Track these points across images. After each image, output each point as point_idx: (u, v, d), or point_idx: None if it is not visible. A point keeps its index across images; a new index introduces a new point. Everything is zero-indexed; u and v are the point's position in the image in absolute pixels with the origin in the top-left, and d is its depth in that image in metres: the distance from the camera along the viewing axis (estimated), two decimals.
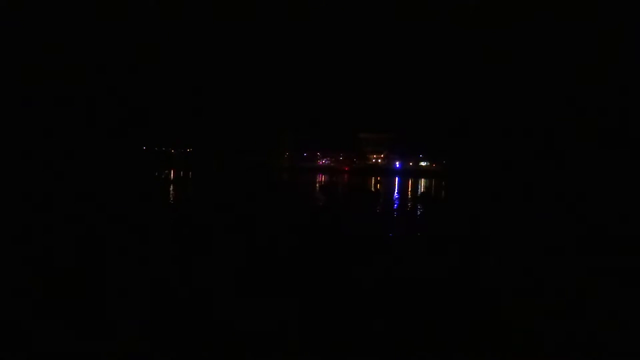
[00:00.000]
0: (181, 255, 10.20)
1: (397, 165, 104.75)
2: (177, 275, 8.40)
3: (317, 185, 45.08)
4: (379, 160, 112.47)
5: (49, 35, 60.14)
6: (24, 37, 56.25)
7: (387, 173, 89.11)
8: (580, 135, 61.30)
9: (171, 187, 35.08)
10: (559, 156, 62.67)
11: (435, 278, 8.88)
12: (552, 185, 45.32)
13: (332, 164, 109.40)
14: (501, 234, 15.32)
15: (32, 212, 15.51)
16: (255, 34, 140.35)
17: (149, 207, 20.11)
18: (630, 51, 58.65)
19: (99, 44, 72.02)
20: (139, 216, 16.50)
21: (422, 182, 62.98)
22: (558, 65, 70.70)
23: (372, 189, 42.88)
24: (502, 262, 10.71)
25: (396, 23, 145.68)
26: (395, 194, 36.58)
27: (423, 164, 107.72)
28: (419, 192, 38.88)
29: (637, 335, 6.24)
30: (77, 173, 39.74)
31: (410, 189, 45.67)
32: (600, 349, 5.74)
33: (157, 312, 6.49)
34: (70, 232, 12.36)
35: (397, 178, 72.40)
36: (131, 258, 9.72)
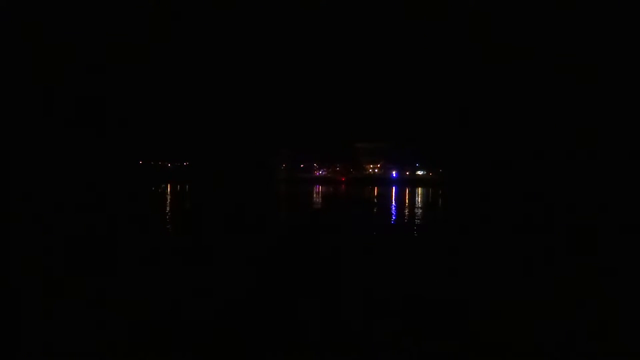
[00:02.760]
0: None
1: (394, 175, 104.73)
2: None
3: (318, 196, 44.99)
4: (376, 170, 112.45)
5: (45, 43, 60.05)
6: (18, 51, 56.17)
7: (384, 182, 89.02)
8: (579, 141, 61.48)
9: (167, 200, 34.82)
10: (556, 162, 62.80)
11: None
12: (550, 191, 45.31)
13: (328, 175, 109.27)
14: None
15: (28, 227, 15.29)
16: (249, 44, 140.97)
17: (145, 222, 19.84)
18: (626, 53, 59.03)
19: (94, 58, 72.03)
20: (132, 234, 16.22)
21: (420, 190, 62.90)
22: (554, 70, 71.16)
23: (373, 199, 42.81)
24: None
25: (388, 31, 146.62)
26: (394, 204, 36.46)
27: (420, 172, 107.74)
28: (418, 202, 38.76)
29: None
30: (69, 188, 39.42)
31: (408, 198, 45.58)
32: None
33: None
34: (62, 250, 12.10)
35: (394, 187, 72.29)
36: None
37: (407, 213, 26.41)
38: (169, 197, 38.56)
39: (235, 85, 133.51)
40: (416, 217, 23.56)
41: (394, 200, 38.90)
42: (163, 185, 59.12)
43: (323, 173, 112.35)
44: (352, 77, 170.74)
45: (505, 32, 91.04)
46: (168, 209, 26.83)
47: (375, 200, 40.91)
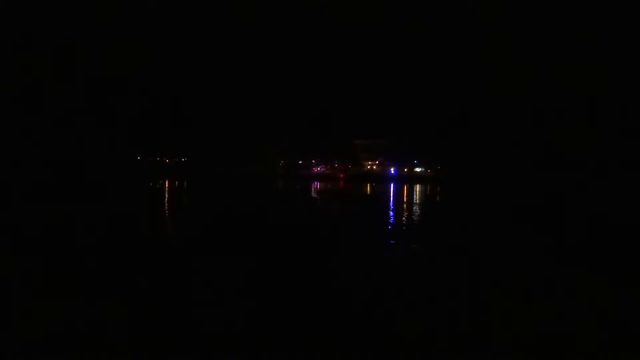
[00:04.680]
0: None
1: (392, 172, 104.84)
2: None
3: (319, 193, 45.07)
4: (374, 167, 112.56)
5: (44, 43, 59.97)
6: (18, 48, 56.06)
7: (382, 179, 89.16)
8: (577, 137, 61.56)
9: (166, 197, 34.95)
10: (554, 160, 62.93)
11: None
12: (548, 190, 45.43)
13: (327, 172, 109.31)
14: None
15: (24, 222, 15.42)
16: (247, 41, 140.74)
17: (144, 221, 19.96)
18: (626, 53, 59.00)
19: (93, 55, 71.92)
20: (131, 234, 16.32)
21: (417, 187, 63.06)
22: (550, 69, 71.21)
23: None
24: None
25: (388, 30, 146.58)
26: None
27: (418, 169, 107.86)
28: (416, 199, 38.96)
29: None
30: (68, 185, 39.49)
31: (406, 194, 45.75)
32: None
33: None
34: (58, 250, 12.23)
35: (392, 184, 72.47)
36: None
37: (402, 209, 26.59)
38: (166, 194, 38.66)
39: (235, 82, 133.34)
40: (411, 215, 23.74)
41: (391, 198, 39.10)
42: (161, 182, 59.24)
43: (321, 170, 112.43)
44: (350, 74, 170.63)
45: (504, 30, 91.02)
46: (166, 206, 27.00)
47: (372, 196, 41.08)
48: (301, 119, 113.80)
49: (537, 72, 75.16)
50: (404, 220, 20.58)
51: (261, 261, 10.22)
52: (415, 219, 21.87)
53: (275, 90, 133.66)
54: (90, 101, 67.04)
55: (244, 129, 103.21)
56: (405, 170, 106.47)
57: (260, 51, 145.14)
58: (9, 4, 54.30)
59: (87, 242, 12.19)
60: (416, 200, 36.14)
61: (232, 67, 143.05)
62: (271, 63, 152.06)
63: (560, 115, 67.54)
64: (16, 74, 53.44)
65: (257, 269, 9.48)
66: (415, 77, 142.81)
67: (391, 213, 24.34)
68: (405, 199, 37.24)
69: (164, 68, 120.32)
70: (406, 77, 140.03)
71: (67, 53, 63.93)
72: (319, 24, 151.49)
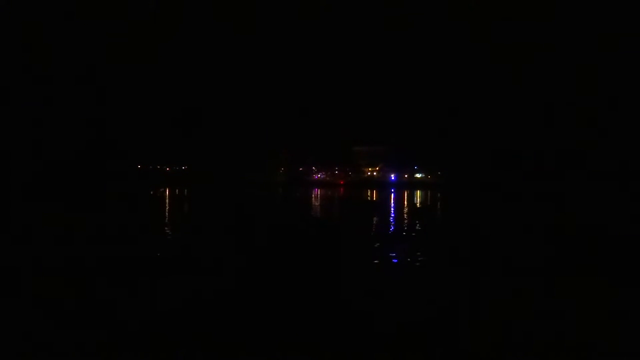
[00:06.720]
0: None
1: (393, 178, 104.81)
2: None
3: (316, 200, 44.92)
4: (374, 173, 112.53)
5: (42, 43, 59.97)
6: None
7: (382, 186, 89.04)
8: (578, 143, 61.36)
9: (167, 205, 34.82)
10: (553, 165, 62.80)
11: None
12: (548, 192, 45.33)
13: (327, 178, 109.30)
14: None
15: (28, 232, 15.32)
16: (249, 49, 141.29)
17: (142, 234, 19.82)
18: (626, 54, 58.80)
19: (90, 65, 72.06)
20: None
21: (418, 193, 62.98)
22: (550, 74, 71.27)
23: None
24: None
25: (385, 35, 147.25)
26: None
27: (418, 175, 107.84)
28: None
29: None
30: (69, 194, 39.38)
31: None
32: None
33: None
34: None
35: (392, 190, 72.35)
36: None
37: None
38: (167, 203, 38.57)
39: (235, 90, 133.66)
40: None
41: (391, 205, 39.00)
42: (161, 190, 59.14)
43: (322, 176, 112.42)
44: (350, 81, 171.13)
45: (503, 34, 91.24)
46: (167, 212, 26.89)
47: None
48: (301, 125, 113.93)
49: (537, 75, 75.22)
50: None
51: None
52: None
53: (275, 97, 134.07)
54: (86, 108, 66.89)
55: (244, 136, 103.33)
56: (406, 176, 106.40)
57: (260, 58, 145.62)
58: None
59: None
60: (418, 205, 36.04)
61: (233, 75, 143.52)
62: (271, 70, 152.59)
63: (561, 117, 67.50)
64: (15, 74, 53.38)
65: None
66: (416, 82, 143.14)
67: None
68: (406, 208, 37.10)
69: (164, 73, 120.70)
70: (406, 82, 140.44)
71: (64, 55, 63.81)
72: (318, 31, 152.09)
